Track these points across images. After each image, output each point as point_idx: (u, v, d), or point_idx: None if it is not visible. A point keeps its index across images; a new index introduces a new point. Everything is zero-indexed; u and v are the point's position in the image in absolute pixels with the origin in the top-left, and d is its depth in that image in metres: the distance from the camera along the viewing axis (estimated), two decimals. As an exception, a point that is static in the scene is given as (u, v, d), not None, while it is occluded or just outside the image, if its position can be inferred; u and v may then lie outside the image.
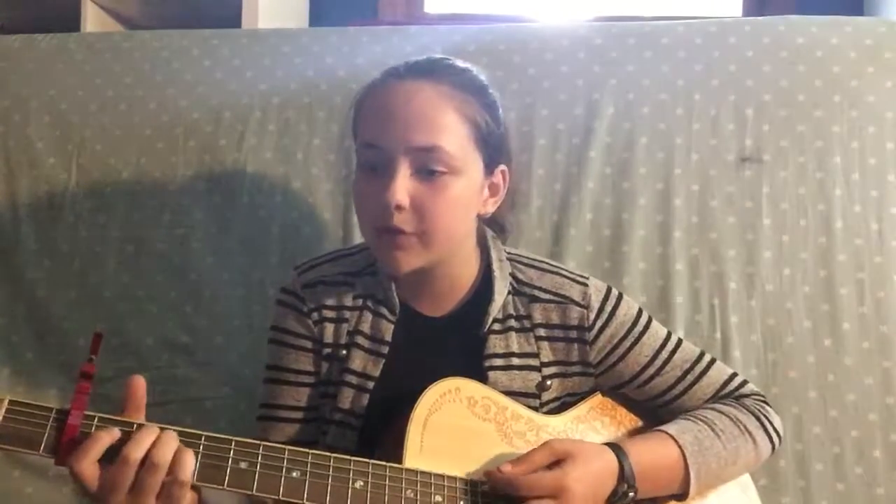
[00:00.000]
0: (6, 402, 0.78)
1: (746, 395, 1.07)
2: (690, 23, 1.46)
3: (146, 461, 0.78)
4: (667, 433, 0.99)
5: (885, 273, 1.29)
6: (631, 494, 0.93)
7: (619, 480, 0.93)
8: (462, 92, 0.98)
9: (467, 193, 0.98)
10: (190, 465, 0.80)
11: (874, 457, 1.24)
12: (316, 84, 1.47)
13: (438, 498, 0.88)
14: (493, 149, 1.01)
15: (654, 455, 0.97)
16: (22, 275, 1.45)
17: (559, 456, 0.91)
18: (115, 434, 0.79)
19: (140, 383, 0.83)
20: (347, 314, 1.05)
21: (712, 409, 1.04)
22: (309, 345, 1.06)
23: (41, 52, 1.57)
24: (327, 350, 1.05)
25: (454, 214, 0.97)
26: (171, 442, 0.80)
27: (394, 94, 0.97)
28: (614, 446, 0.95)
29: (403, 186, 0.93)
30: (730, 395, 1.07)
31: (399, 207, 0.93)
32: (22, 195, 1.48)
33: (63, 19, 1.99)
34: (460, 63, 1.02)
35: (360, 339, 1.04)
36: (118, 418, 0.82)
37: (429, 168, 0.94)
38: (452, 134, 0.95)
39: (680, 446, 0.97)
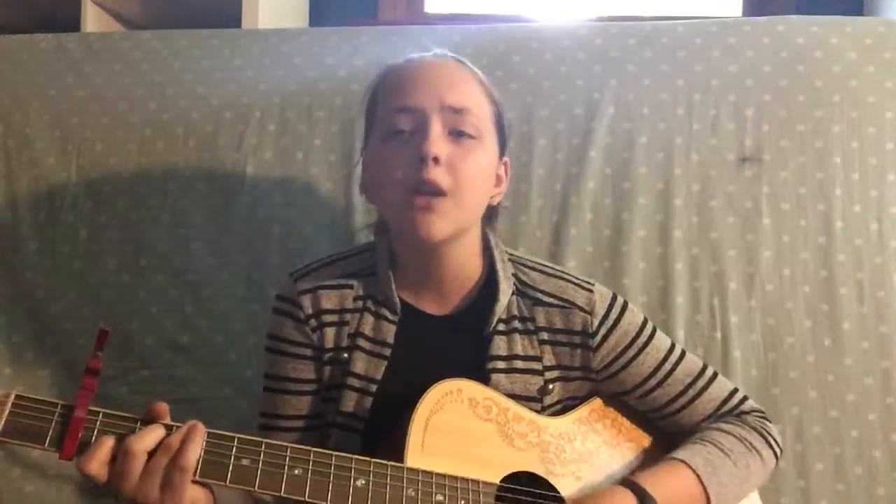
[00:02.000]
0: (12, 397, 0.80)
1: (747, 412, 1.07)
2: (690, 23, 1.46)
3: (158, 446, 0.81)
4: (677, 459, 0.98)
5: (885, 273, 1.29)
6: None
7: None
8: (481, 77, 1.03)
9: (489, 166, 1.00)
10: (193, 452, 0.81)
11: (874, 457, 1.25)
12: (316, 84, 1.47)
13: (440, 497, 0.88)
14: (503, 135, 1.04)
15: (671, 484, 0.96)
16: (22, 275, 1.45)
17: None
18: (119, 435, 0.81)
19: (162, 410, 0.85)
20: (348, 317, 1.04)
21: (716, 429, 1.03)
22: (308, 352, 1.04)
23: (41, 52, 1.57)
24: (329, 354, 1.04)
25: (480, 180, 0.99)
26: (181, 430, 0.82)
27: (423, 64, 1.00)
28: (629, 483, 0.94)
29: (439, 142, 0.94)
30: (730, 411, 1.06)
31: (436, 160, 0.93)
32: (22, 195, 1.48)
33: (63, 19, 1.99)
34: None
35: (361, 342, 1.03)
36: (123, 414, 0.83)
37: (459, 129, 0.96)
38: (479, 103, 0.99)
39: (693, 469, 0.96)
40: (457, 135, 0.96)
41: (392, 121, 0.97)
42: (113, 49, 1.56)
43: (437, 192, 0.94)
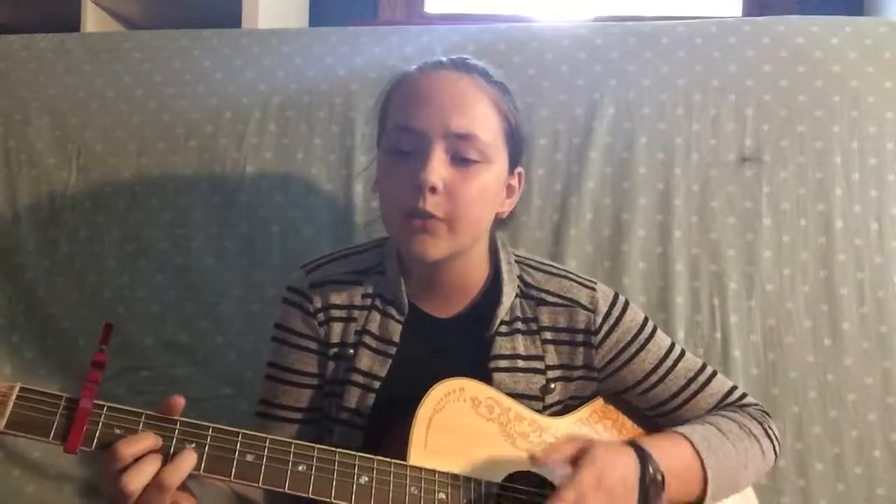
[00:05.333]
0: (17, 389, 0.80)
1: (748, 405, 1.08)
2: (690, 23, 1.46)
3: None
4: (676, 432, 0.99)
5: (885, 273, 1.29)
6: (659, 477, 0.91)
7: (642, 463, 0.91)
8: (496, 88, 1.00)
9: (495, 185, 0.99)
10: (175, 472, 0.80)
11: (874, 457, 1.25)
12: (316, 84, 1.47)
13: (442, 496, 0.88)
14: (516, 148, 1.03)
15: (671, 452, 0.96)
16: (22, 275, 1.44)
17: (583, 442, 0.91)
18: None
19: (179, 404, 0.85)
20: (356, 313, 1.05)
21: (717, 415, 1.04)
22: (313, 346, 1.05)
23: (41, 52, 1.57)
24: (334, 350, 1.05)
25: (483, 204, 0.98)
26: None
27: (432, 81, 0.98)
28: (632, 442, 0.95)
29: (439, 169, 0.94)
30: (731, 405, 1.07)
31: (433, 189, 0.93)
32: (22, 195, 1.48)
33: (63, 19, 1.99)
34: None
35: (367, 339, 1.04)
36: (128, 408, 0.83)
37: (462, 156, 0.95)
38: (487, 124, 0.97)
39: (692, 442, 0.97)
40: (460, 161, 0.95)
41: (396, 138, 0.98)
42: (113, 49, 1.56)
43: (434, 217, 0.94)
